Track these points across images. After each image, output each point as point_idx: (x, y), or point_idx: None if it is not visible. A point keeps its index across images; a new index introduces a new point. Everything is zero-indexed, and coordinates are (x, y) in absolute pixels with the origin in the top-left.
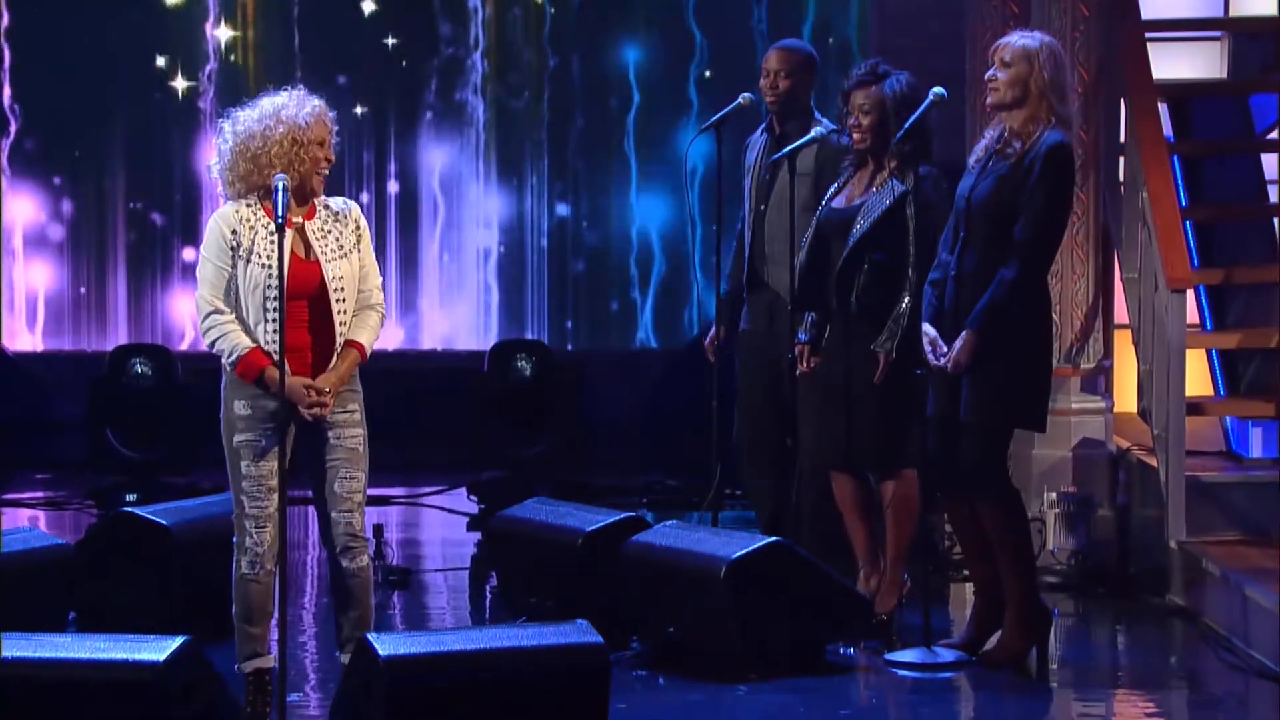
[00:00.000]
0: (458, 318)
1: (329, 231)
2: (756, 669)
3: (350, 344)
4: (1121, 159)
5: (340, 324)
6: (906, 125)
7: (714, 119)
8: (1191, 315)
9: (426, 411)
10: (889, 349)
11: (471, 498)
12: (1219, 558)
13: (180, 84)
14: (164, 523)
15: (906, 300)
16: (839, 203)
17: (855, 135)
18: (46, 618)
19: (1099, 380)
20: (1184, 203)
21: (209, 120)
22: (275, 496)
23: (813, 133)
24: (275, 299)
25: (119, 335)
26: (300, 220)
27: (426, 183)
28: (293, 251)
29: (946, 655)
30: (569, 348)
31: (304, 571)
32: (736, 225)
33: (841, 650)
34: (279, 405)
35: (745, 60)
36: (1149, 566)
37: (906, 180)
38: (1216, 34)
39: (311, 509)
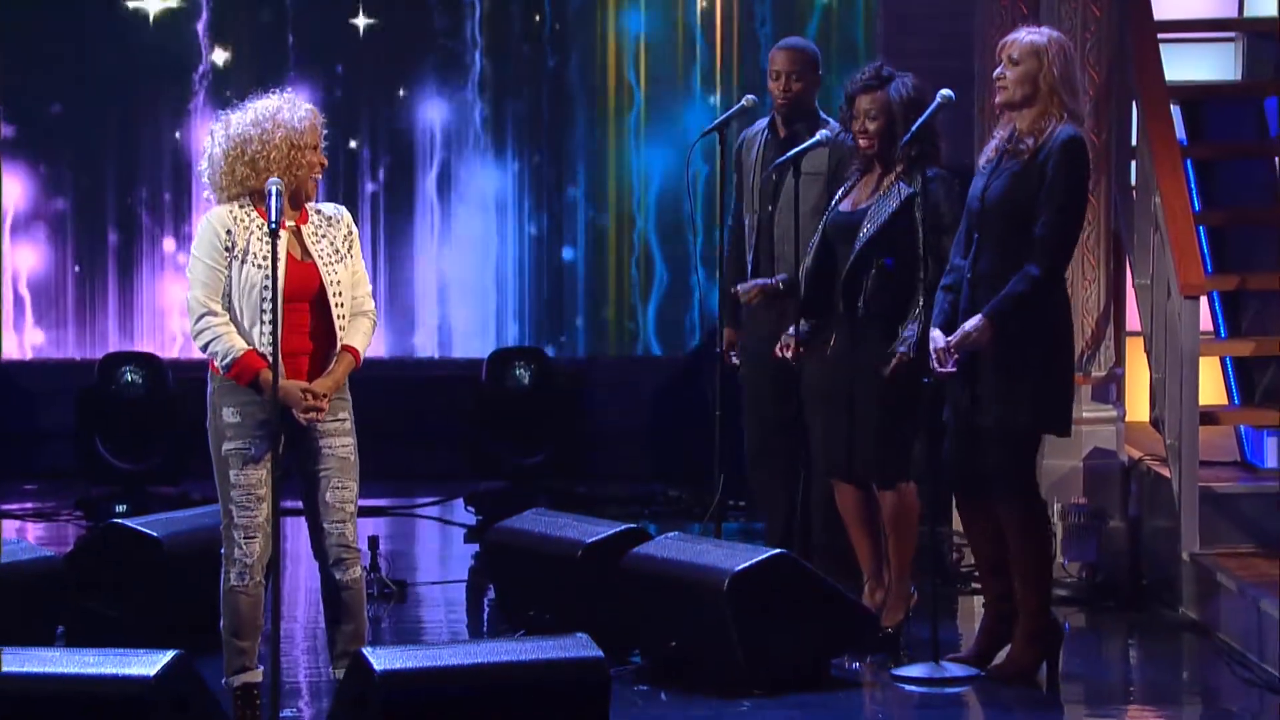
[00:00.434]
0: (456, 323)
1: (323, 235)
2: (760, 684)
3: (345, 349)
4: (1133, 162)
5: (340, 329)
6: (914, 128)
7: (717, 121)
8: (1205, 322)
9: (422, 420)
10: (907, 348)
11: (469, 509)
12: (1233, 570)
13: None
14: (155, 534)
15: (920, 302)
16: (845, 206)
17: (862, 141)
18: (34, 631)
19: (1110, 389)
20: (1197, 207)
21: (201, 103)
22: (265, 506)
23: (820, 135)
24: (271, 300)
25: (110, 335)
26: (294, 224)
27: (422, 185)
28: (289, 253)
29: (954, 670)
30: (568, 354)
31: (296, 584)
32: (727, 221)
33: (847, 665)
34: (269, 412)
35: (754, 65)
36: (1161, 579)
37: (914, 183)
38: (1231, 35)
39: (304, 519)
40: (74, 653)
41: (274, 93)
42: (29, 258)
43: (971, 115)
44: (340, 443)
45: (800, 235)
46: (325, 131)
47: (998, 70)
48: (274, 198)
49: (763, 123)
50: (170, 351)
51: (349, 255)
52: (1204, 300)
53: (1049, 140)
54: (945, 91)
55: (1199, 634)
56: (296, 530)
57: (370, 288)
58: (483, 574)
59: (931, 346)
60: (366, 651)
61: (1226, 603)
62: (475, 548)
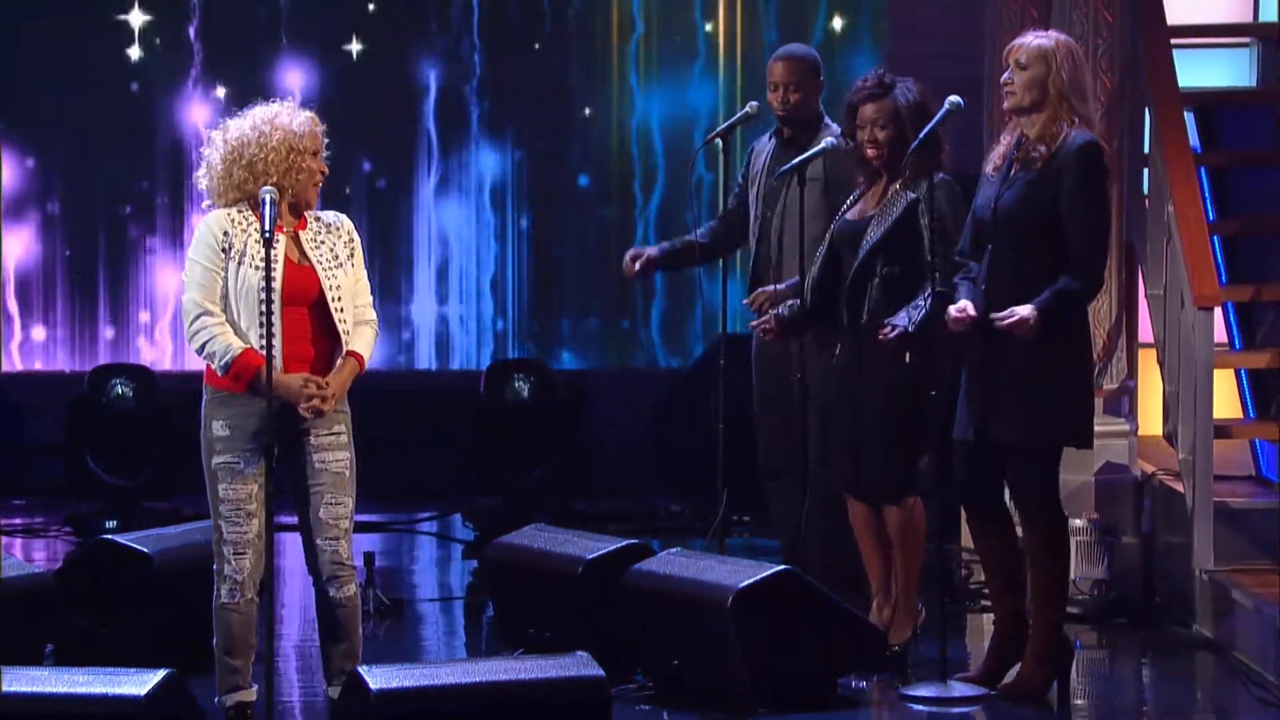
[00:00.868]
0: (453, 331)
1: (322, 242)
2: (765, 703)
3: (350, 354)
4: (1146, 170)
5: (344, 333)
6: (922, 135)
7: (720, 128)
8: (1219, 334)
9: (420, 434)
10: (908, 322)
11: (467, 524)
12: (1248, 587)
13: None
14: (145, 550)
15: (929, 291)
16: (852, 215)
17: (871, 150)
18: (23, 650)
19: (1123, 402)
20: (1211, 216)
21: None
22: (255, 522)
23: (825, 142)
24: (268, 307)
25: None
26: (292, 230)
27: (422, 193)
28: (286, 257)
29: (963, 689)
30: (567, 366)
31: (292, 600)
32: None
33: (854, 683)
34: (261, 426)
35: (753, 78)
36: (1175, 596)
37: (919, 189)
38: (1245, 40)
39: (298, 535)
40: (63, 672)
41: (274, 100)
42: (15, 246)
43: (981, 121)
44: (335, 457)
45: (801, 241)
46: (326, 140)
47: (1005, 75)
48: (268, 205)
49: (769, 132)
50: (163, 363)
51: (350, 262)
52: (1218, 311)
53: (1063, 146)
54: (954, 98)
55: (1213, 652)
56: (292, 546)
57: (371, 299)
58: (481, 591)
59: (957, 312)
60: (362, 670)
61: (1242, 620)
62: (473, 564)
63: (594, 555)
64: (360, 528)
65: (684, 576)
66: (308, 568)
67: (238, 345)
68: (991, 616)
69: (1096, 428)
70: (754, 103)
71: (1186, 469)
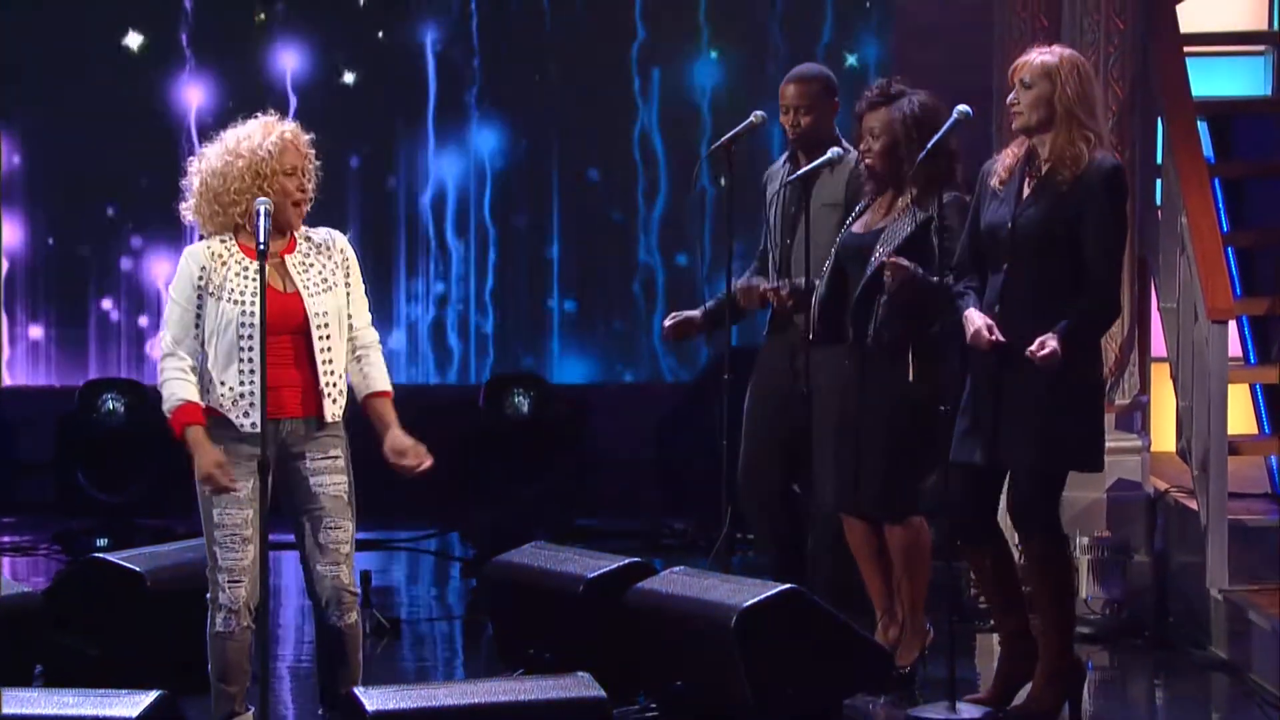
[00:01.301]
0: (451, 342)
1: (310, 265)
2: None
3: (380, 394)
4: (1158, 181)
5: (322, 361)
6: (928, 147)
7: (724, 138)
8: (1234, 348)
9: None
10: (914, 267)
11: (465, 542)
12: (1264, 607)
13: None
14: (137, 569)
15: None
16: (858, 228)
17: (866, 160)
18: (11, 671)
19: (1135, 417)
20: (1225, 228)
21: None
22: (251, 549)
23: (829, 154)
24: (250, 336)
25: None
26: (278, 256)
27: (422, 196)
28: (269, 286)
29: (971, 711)
30: (568, 380)
31: (287, 622)
32: (737, 249)
33: (860, 705)
34: (257, 450)
35: (757, 85)
36: (1189, 616)
37: (929, 206)
38: (1260, 48)
39: (294, 554)
40: (53, 693)
41: (256, 116)
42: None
43: (990, 133)
44: (332, 481)
45: (815, 265)
46: (311, 153)
47: (1011, 95)
48: (262, 218)
49: (783, 157)
50: (154, 378)
51: (344, 283)
52: (1232, 325)
53: (1088, 170)
54: (962, 108)
55: (1228, 674)
56: (287, 566)
57: (369, 316)
58: (480, 610)
59: (989, 331)
60: (358, 691)
61: (1258, 641)
62: (472, 582)
63: (595, 574)
64: (357, 545)
65: (687, 595)
66: (308, 593)
67: (180, 396)
68: (999, 638)
69: (1109, 444)
70: (759, 112)
71: (1200, 486)
